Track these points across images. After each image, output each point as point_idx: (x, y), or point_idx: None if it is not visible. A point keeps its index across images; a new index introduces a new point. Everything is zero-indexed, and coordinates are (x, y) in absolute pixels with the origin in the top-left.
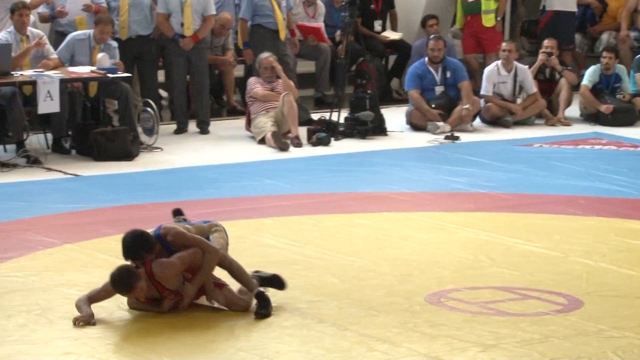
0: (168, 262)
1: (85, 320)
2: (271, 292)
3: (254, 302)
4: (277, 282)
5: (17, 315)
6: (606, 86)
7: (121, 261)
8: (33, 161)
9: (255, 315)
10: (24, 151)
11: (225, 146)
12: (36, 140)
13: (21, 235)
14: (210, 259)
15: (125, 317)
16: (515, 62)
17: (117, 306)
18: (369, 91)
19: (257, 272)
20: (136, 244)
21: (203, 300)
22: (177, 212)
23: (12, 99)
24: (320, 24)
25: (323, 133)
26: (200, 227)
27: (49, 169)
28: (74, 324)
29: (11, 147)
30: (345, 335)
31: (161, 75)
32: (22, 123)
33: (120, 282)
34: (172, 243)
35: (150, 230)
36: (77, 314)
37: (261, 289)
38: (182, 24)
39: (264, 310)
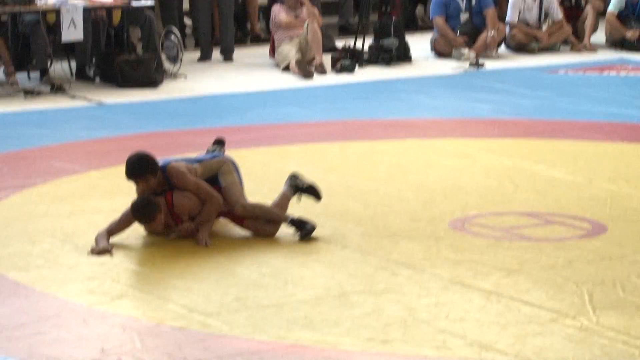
0: (189, 195)
1: (100, 253)
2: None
3: (286, 228)
4: (313, 192)
5: (42, 240)
6: (632, 12)
7: None
8: (57, 89)
9: (301, 238)
10: (48, 79)
11: (249, 74)
12: (60, 68)
13: (45, 162)
14: (209, 209)
15: (149, 243)
16: None
17: (140, 234)
18: (393, 18)
19: (294, 175)
20: (143, 164)
21: (228, 227)
22: (218, 142)
23: (35, 27)
24: None
25: (347, 60)
26: (209, 166)
27: (73, 97)
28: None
29: (35, 75)
30: (369, 261)
31: (186, 3)
32: (45, 51)
33: (142, 212)
34: (174, 183)
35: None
36: None
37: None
38: None
39: (305, 230)
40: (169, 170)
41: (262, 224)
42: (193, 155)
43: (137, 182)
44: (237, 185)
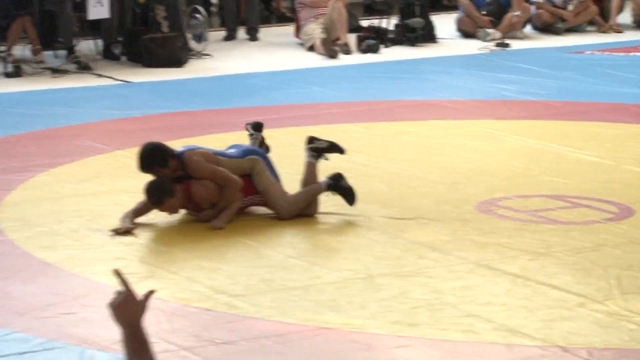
0: (207, 183)
1: (124, 234)
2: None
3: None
4: (336, 149)
5: (69, 220)
6: None
7: None
8: (83, 67)
9: (349, 205)
10: (74, 57)
11: (274, 53)
12: (86, 47)
13: (72, 141)
14: (229, 194)
15: (176, 224)
16: None
17: (167, 215)
18: None
19: (311, 138)
20: (150, 157)
21: (255, 209)
22: (255, 127)
23: (62, 5)
24: None
25: (372, 40)
26: (239, 165)
27: (99, 75)
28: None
29: (62, 53)
30: (395, 243)
31: None
32: (72, 29)
33: (151, 193)
34: (190, 172)
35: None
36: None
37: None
38: None
39: (348, 196)
40: (184, 160)
41: (301, 209)
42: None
43: (149, 173)
44: (275, 186)
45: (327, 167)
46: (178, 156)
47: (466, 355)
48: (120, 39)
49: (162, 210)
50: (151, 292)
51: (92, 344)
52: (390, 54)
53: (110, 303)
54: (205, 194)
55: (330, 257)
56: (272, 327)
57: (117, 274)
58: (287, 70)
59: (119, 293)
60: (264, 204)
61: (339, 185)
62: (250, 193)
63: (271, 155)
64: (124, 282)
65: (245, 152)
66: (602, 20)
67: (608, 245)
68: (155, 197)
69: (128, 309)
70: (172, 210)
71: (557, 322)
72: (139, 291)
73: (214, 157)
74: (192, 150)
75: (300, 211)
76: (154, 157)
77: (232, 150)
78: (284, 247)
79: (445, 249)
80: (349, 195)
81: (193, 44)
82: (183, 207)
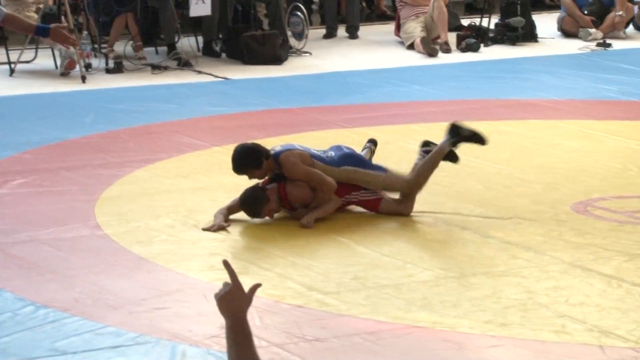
0: (301, 184)
1: (216, 230)
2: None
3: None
4: (477, 139)
5: (165, 215)
6: None
7: None
8: (184, 64)
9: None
10: (175, 54)
11: (374, 51)
12: (187, 43)
13: (171, 137)
14: (322, 196)
15: (269, 221)
16: None
17: None
18: None
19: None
20: (243, 159)
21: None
22: (372, 141)
23: (164, 2)
24: None
25: (472, 39)
26: (330, 171)
27: (199, 72)
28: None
29: (163, 50)
30: (488, 243)
31: None
32: (173, 26)
33: (249, 209)
34: (285, 173)
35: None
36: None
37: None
38: None
39: (477, 140)
40: (280, 160)
41: (395, 207)
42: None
43: (243, 175)
44: (380, 177)
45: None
46: (275, 156)
47: (558, 356)
48: (220, 36)
49: (262, 217)
50: (257, 286)
51: (184, 339)
52: (491, 53)
53: (216, 294)
54: (300, 195)
55: (423, 255)
56: (364, 325)
57: (226, 265)
58: (387, 68)
59: (226, 284)
60: (361, 203)
61: (462, 136)
62: (346, 193)
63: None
64: (231, 274)
65: (342, 160)
66: None
67: None
68: (253, 210)
69: (234, 301)
70: (271, 213)
71: None
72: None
73: (310, 159)
74: (289, 151)
75: (389, 212)
76: (247, 159)
77: (330, 153)
78: (377, 245)
79: (539, 249)
80: (477, 139)
81: (293, 41)
82: (279, 208)
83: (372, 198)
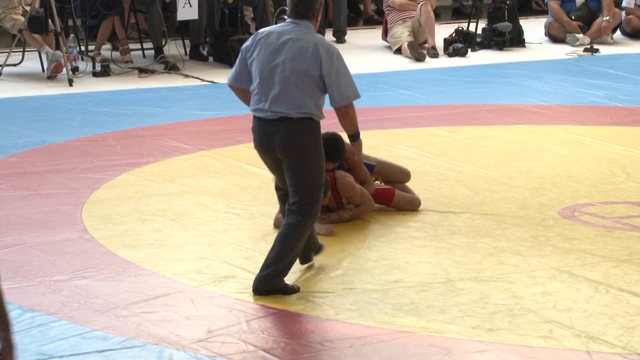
0: (353, 182)
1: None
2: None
3: None
4: None
5: (152, 219)
6: None
7: (254, 168)
8: (171, 67)
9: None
10: (162, 57)
11: (361, 56)
12: (174, 47)
13: (157, 140)
14: (363, 210)
15: (258, 225)
16: None
17: (249, 214)
18: (507, 1)
19: None
20: (331, 145)
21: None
22: None
23: (151, 5)
24: None
25: (460, 44)
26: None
27: (186, 76)
28: None
29: (150, 53)
30: (476, 248)
31: None
32: (160, 29)
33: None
34: (345, 161)
35: None
36: (208, 220)
37: None
38: None
39: None
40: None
41: (405, 204)
42: None
43: None
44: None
45: (410, 169)
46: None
47: None
48: (208, 39)
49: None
50: None
51: (171, 344)
52: (478, 58)
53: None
54: (349, 188)
55: (410, 260)
56: (351, 330)
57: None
58: (374, 73)
59: None
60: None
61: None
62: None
63: None
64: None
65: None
66: None
67: None
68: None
69: None
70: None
71: (638, 330)
72: (220, 291)
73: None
74: (343, 175)
75: (400, 207)
76: (333, 147)
77: None
78: (365, 250)
79: (527, 254)
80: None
81: None
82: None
83: (386, 188)
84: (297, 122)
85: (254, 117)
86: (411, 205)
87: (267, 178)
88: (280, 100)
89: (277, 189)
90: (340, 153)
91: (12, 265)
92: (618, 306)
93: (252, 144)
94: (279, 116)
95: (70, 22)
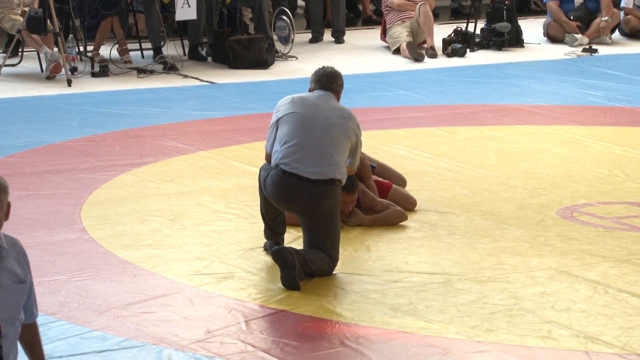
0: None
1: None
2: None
3: None
4: None
5: (151, 220)
6: None
7: (254, 169)
8: (169, 68)
9: None
10: (161, 58)
11: (359, 56)
12: (173, 47)
13: (156, 141)
14: (391, 218)
15: (257, 226)
16: None
17: (248, 214)
18: (506, 2)
19: None
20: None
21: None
22: None
23: (150, 6)
24: None
25: (458, 44)
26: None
27: (185, 76)
28: None
29: (148, 54)
30: (475, 248)
31: None
32: (159, 29)
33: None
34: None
35: None
36: (207, 221)
37: None
38: None
39: None
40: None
41: (400, 199)
42: None
43: None
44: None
45: (409, 169)
46: None
47: None
48: (206, 40)
49: (347, 200)
50: None
51: (170, 344)
52: (476, 58)
53: None
54: (370, 200)
55: (408, 260)
56: (350, 330)
57: None
58: (372, 73)
59: None
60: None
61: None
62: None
63: None
64: None
65: None
66: None
67: None
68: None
69: None
70: (348, 205)
71: (636, 330)
72: (219, 291)
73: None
74: (365, 190)
75: (396, 201)
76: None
77: None
78: (363, 250)
79: (526, 255)
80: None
81: (279, 45)
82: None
83: (383, 181)
84: (327, 182)
85: (280, 169)
86: (406, 202)
87: None
88: (318, 159)
89: (266, 217)
90: (355, 187)
91: None
92: (617, 306)
93: (251, 144)
94: (313, 177)
95: (69, 23)
